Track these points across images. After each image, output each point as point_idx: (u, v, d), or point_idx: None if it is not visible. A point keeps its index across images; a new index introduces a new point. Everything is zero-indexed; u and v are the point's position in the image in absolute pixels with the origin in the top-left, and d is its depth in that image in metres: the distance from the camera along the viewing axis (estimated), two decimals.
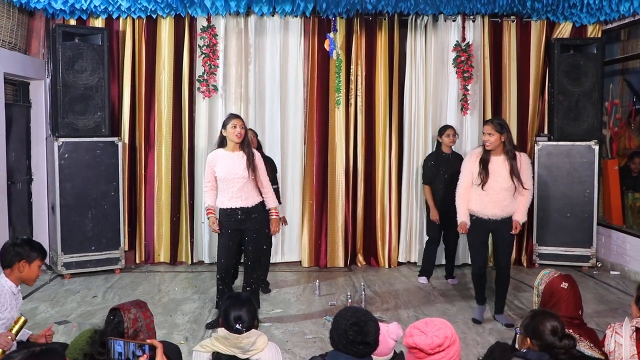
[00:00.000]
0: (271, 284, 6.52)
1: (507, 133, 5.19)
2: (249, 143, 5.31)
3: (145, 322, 3.06)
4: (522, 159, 5.24)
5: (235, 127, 5.13)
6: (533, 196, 7.23)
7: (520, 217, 5.28)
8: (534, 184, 7.28)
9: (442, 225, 6.65)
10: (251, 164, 5.16)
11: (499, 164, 5.16)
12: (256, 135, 6.39)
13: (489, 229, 5.33)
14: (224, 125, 5.21)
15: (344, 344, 2.68)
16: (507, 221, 5.26)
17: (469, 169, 5.28)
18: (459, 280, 6.79)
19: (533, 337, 2.91)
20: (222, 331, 2.98)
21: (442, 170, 6.59)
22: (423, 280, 6.77)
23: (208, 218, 5.31)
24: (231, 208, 5.18)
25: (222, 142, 5.26)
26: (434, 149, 6.93)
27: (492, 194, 5.16)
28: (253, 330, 2.99)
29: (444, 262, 7.05)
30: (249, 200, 5.22)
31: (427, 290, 6.49)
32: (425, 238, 7.01)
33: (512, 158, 5.14)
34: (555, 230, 7.27)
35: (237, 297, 3.15)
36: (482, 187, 5.16)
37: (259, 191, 5.29)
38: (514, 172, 5.13)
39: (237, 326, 2.94)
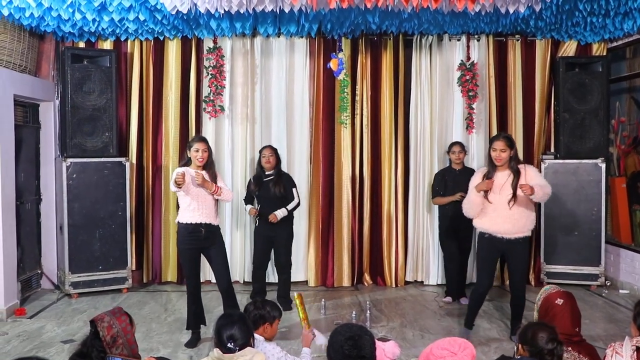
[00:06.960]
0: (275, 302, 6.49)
1: (515, 148, 5.21)
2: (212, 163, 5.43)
3: (120, 327, 3.08)
4: (528, 170, 5.18)
5: (197, 151, 5.25)
6: (540, 213, 7.28)
7: (533, 186, 5.00)
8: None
9: (453, 242, 6.66)
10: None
11: (503, 178, 5.13)
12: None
13: (501, 249, 5.27)
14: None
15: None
16: (521, 241, 5.19)
17: (473, 185, 5.26)
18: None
19: (524, 344, 3.05)
20: (216, 352, 2.97)
21: (450, 185, 6.59)
22: (447, 299, 6.77)
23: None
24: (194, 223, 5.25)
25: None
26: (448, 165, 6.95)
27: (500, 209, 5.11)
28: (248, 348, 2.97)
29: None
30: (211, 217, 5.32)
31: (432, 309, 6.45)
32: (432, 257, 7.05)
33: (516, 172, 5.11)
34: (563, 249, 7.21)
35: (229, 315, 3.14)
36: (487, 199, 5.11)
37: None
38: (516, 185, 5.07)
39: (229, 345, 2.93)
